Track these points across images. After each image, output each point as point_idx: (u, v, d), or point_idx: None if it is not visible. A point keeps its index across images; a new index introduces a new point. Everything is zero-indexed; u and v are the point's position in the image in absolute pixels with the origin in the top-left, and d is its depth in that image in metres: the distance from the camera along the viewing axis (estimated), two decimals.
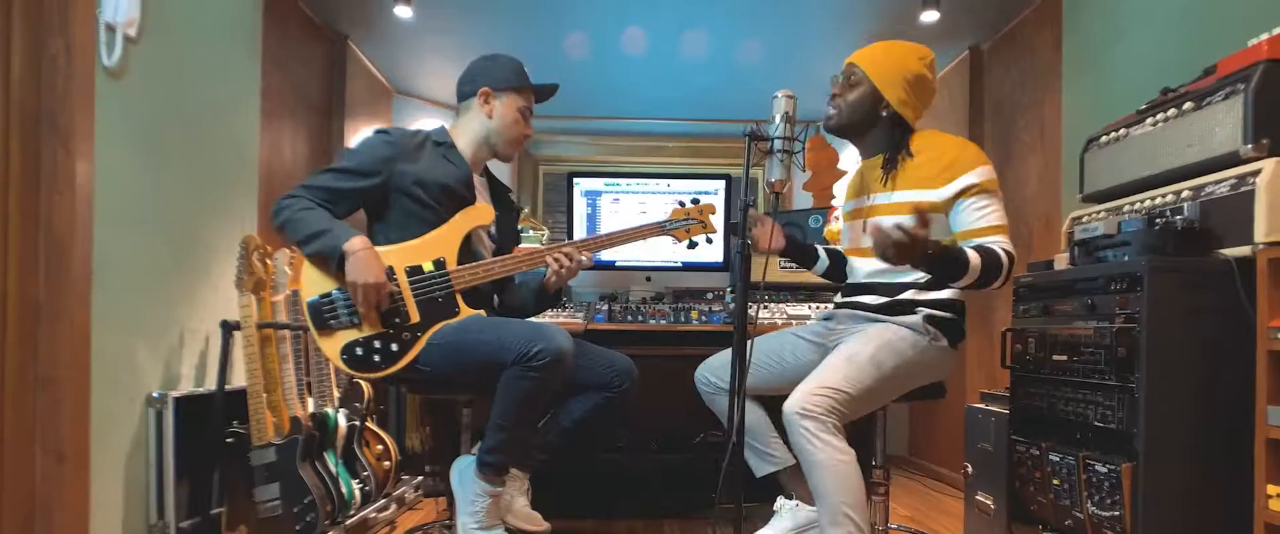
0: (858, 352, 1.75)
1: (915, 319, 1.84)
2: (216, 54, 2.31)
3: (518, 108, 2.05)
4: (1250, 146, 1.53)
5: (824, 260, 2.16)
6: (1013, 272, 1.74)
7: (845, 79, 1.92)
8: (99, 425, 1.81)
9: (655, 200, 2.95)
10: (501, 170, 3.62)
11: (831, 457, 1.64)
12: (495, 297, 2.10)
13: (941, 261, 1.67)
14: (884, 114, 1.88)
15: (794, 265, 2.79)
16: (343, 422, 2.39)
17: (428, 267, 1.87)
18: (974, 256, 1.68)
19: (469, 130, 2.05)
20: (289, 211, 1.81)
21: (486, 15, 3.08)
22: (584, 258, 2.02)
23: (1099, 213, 1.99)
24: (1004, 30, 3.14)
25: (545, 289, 2.09)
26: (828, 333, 1.98)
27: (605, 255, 2.11)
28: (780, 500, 2.08)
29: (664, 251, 2.92)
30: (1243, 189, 1.54)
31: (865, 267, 1.95)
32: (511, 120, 2.04)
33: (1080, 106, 2.61)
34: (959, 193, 1.77)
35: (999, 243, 1.73)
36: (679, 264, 2.95)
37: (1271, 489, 1.41)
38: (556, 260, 1.99)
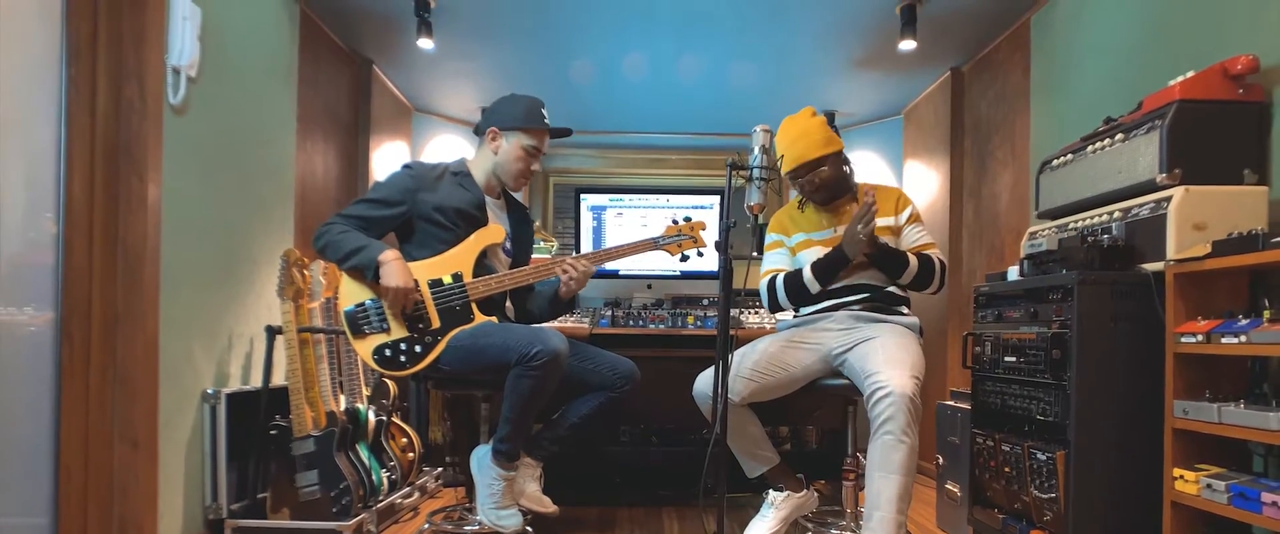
0: (902, 345, 2.09)
1: (914, 320, 2.27)
2: (261, 87, 2.58)
3: (522, 147, 2.26)
4: (1164, 175, 1.77)
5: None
6: (945, 277, 2.29)
7: (811, 170, 2.28)
8: (165, 418, 2.07)
9: (655, 214, 3.20)
10: None
11: (917, 442, 1.97)
12: (507, 304, 2.35)
13: (887, 256, 2.24)
14: (845, 164, 2.35)
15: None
16: (372, 416, 2.65)
17: (447, 279, 2.13)
18: (912, 258, 2.25)
19: (481, 162, 2.32)
20: (329, 235, 2.09)
21: (501, 42, 3.33)
22: (584, 267, 2.26)
23: (1048, 229, 2.22)
24: (980, 54, 3.37)
25: (560, 298, 2.33)
26: (827, 337, 2.23)
27: (609, 265, 2.37)
28: (771, 493, 2.31)
29: (664, 261, 3.16)
30: (1159, 212, 1.77)
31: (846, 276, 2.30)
32: (513, 158, 2.27)
33: (1045, 128, 2.83)
34: (908, 218, 2.32)
35: (935, 253, 2.31)
36: (677, 273, 3.20)
37: (1177, 472, 1.64)
38: (564, 271, 2.24)
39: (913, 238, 2.33)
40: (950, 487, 2.55)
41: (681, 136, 4.52)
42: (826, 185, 2.30)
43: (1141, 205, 1.84)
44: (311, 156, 3.07)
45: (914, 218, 2.35)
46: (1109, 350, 1.80)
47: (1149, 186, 1.82)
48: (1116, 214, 1.93)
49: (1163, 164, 1.77)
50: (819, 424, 3.13)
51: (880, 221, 2.27)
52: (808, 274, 2.30)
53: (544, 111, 2.30)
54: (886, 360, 2.01)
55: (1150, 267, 1.79)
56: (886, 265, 2.26)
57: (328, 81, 3.19)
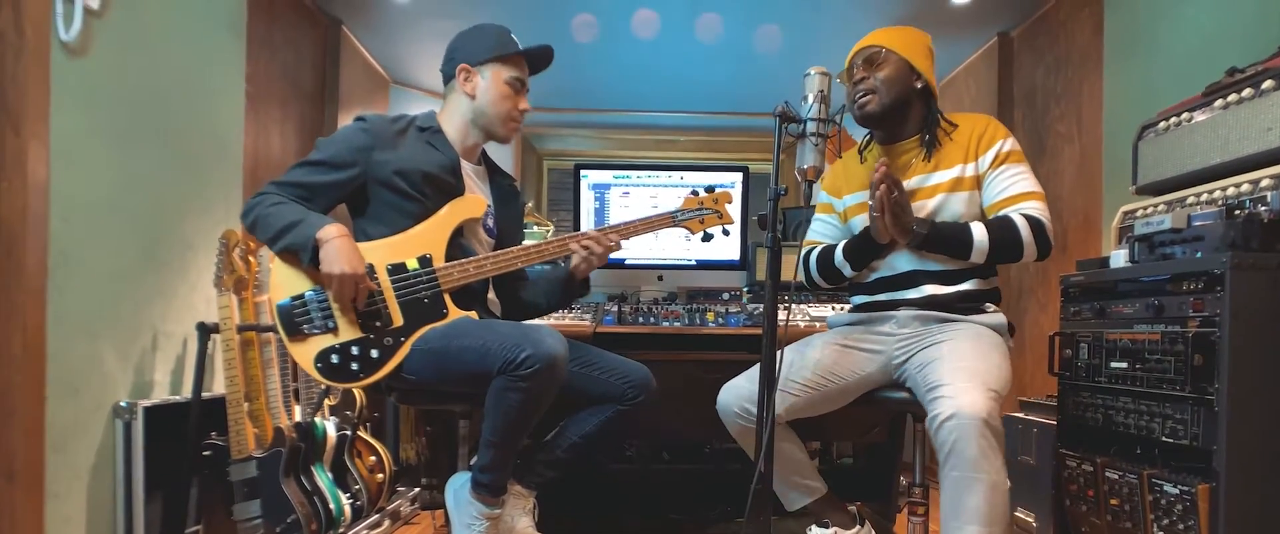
0: (977, 350, 1.63)
1: (1000, 320, 1.78)
2: (194, 32, 2.14)
3: (505, 80, 1.84)
4: None
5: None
6: (1048, 238, 1.71)
7: (867, 62, 1.81)
8: (56, 439, 1.64)
9: (667, 193, 2.77)
10: (505, 163, 3.49)
11: (1003, 477, 1.51)
12: (491, 297, 1.92)
13: (938, 239, 1.70)
14: (918, 87, 1.81)
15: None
16: (332, 431, 2.23)
17: (412, 264, 1.70)
18: (979, 232, 1.69)
19: (454, 113, 1.87)
20: (259, 209, 1.63)
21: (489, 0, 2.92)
22: (606, 242, 1.84)
23: (1158, 205, 1.81)
24: (1036, 14, 2.97)
25: (573, 276, 1.91)
26: (888, 340, 1.79)
27: (612, 255, 1.94)
28: (815, 530, 1.90)
29: (676, 249, 2.74)
30: None
31: (907, 259, 1.80)
32: (498, 95, 1.84)
33: (1124, 93, 2.43)
34: (993, 161, 1.75)
35: (1029, 208, 1.71)
36: (692, 262, 2.78)
37: None
38: (583, 246, 1.83)
39: (998, 188, 1.73)
40: (1022, 515, 2.14)
41: (693, 115, 4.11)
42: (873, 86, 1.76)
43: None
44: (266, 127, 2.64)
45: (1004, 159, 1.74)
46: (1274, 354, 1.39)
47: None
48: (1266, 181, 1.52)
49: None
50: (856, 439, 2.72)
51: (945, 174, 1.76)
52: (839, 256, 1.86)
53: (515, 37, 1.88)
54: (954, 369, 1.56)
55: None
56: (941, 249, 1.74)
57: (286, 40, 2.76)
